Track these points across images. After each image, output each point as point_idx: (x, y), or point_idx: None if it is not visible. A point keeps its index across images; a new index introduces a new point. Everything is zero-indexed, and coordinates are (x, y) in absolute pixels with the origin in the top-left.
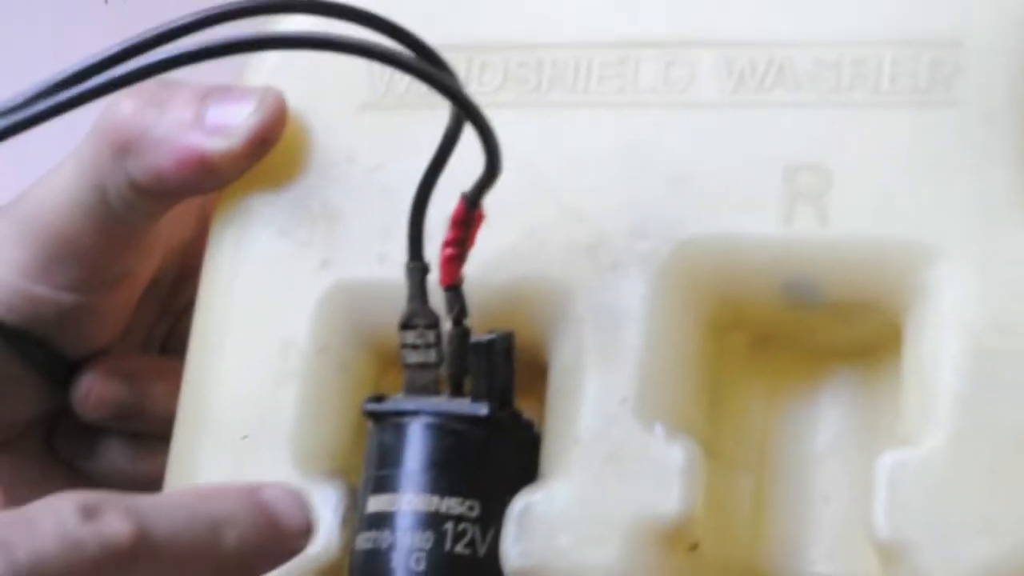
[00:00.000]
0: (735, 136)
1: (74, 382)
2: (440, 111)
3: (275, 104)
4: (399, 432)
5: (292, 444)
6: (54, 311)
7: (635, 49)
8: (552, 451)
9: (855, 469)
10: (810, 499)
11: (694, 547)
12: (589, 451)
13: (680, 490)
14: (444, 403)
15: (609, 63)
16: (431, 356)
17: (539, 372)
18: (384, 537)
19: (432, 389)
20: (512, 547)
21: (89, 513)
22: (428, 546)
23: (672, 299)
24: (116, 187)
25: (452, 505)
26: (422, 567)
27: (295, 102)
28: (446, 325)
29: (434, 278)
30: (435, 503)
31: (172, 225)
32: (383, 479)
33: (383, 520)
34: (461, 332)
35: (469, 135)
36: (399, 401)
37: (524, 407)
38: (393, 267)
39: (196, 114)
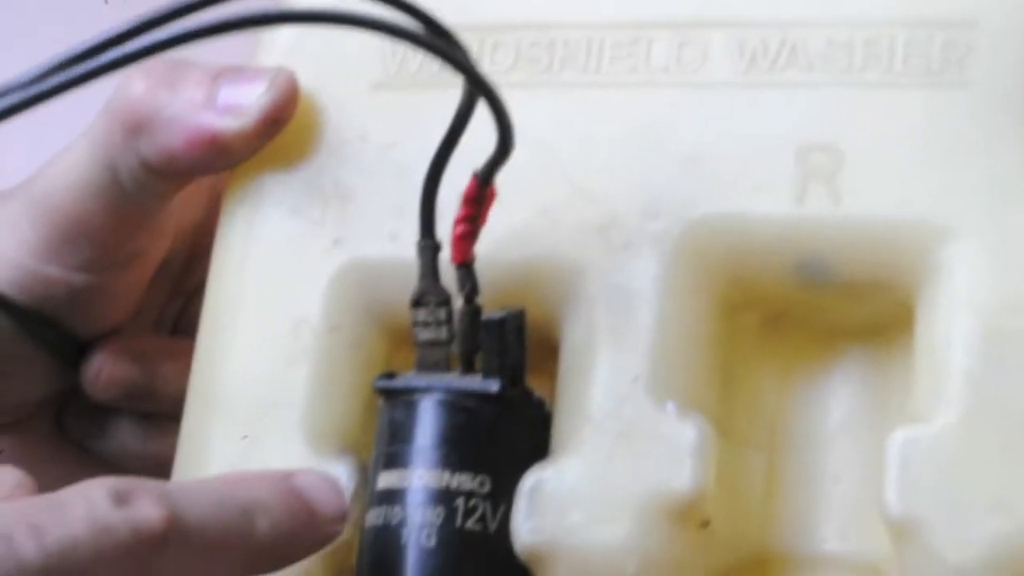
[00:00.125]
0: (747, 116)
1: (85, 362)
2: (452, 90)
3: (287, 84)
4: (410, 409)
5: (303, 422)
6: (65, 291)
7: (647, 29)
8: (563, 429)
9: (866, 448)
10: (821, 478)
11: (705, 525)
12: (600, 429)
13: (692, 467)
14: (455, 380)
15: (621, 43)
16: (442, 334)
17: (550, 351)
18: (395, 513)
19: (443, 366)
20: (523, 523)
21: (121, 498)
22: (439, 522)
23: (684, 279)
24: (128, 167)
25: (463, 481)
26: (432, 543)
27: (307, 82)
28: (457, 303)
29: (446, 257)
30: (446, 479)
31: (183, 205)
32: (394, 455)
33: (394, 496)
34: (472, 310)
35: (482, 115)
36: (410, 378)
37: (535, 386)
38: (405, 246)
39: (208, 94)
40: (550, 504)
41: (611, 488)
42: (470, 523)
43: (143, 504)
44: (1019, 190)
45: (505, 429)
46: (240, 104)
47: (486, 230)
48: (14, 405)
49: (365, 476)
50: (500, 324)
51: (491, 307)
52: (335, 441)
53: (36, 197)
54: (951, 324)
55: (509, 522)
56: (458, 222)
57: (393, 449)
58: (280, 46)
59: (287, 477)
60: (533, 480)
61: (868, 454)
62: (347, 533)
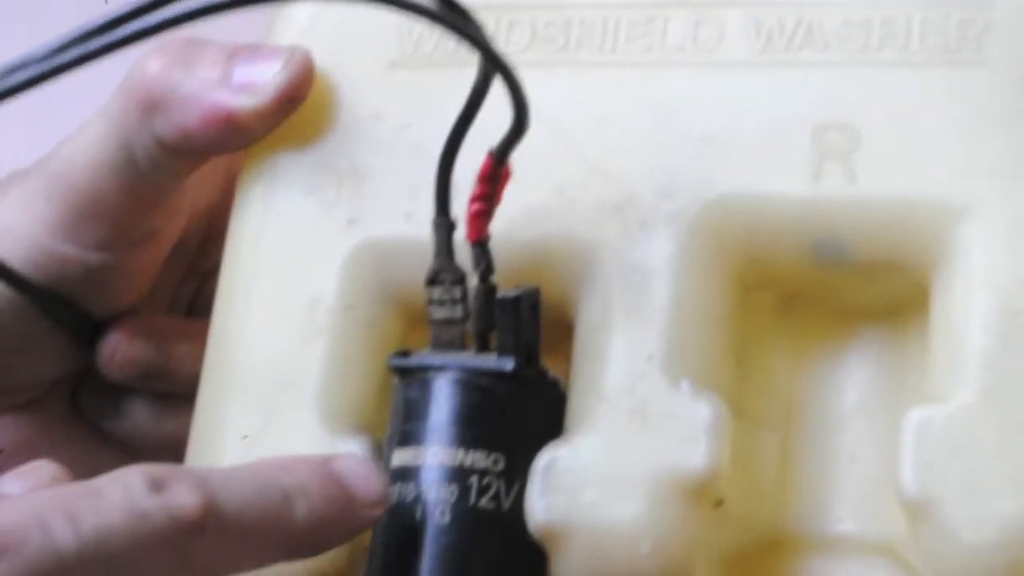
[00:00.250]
0: (763, 96)
1: (100, 342)
2: (468, 70)
3: (302, 62)
4: (425, 387)
5: (318, 401)
6: (81, 270)
7: (663, 8)
8: (578, 407)
9: (881, 429)
10: (836, 458)
11: (719, 504)
12: (615, 407)
13: (706, 446)
14: (470, 358)
15: (637, 22)
16: (457, 312)
17: (565, 331)
18: (409, 490)
19: (458, 345)
20: (536, 501)
21: (157, 485)
22: (453, 499)
23: (699, 258)
24: (143, 145)
25: (477, 459)
26: (447, 520)
27: (323, 61)
28: (472, 281)
29: (461, 236)
30: (460, 456)
31: (199, 186)
32: (408, 433)
33: (408, 473)
34: (487, 288)
35: (498, 93)
36: (425, 356)
37: (550, 366)
38: (420, 225)
39: (223, 72)
40: (564, 482)
41: (625, 466)
42: (484, 501)
43: (179, 490)
44: None
45: (519, 407)
46: (255, 82)
47: (501, 209)
48: (29, 384)
49: (380, 454)
50: (515, 302)
51: (506, 286)
52: (350, 420)
53: (52, 176)
54: (967, 303)
55: (523, 500)
56: (473, 200)
57: (408, 427)
58: (296, 25)
59: (326, 462)
60: (547, 458)
61: (883, 435)
62: None
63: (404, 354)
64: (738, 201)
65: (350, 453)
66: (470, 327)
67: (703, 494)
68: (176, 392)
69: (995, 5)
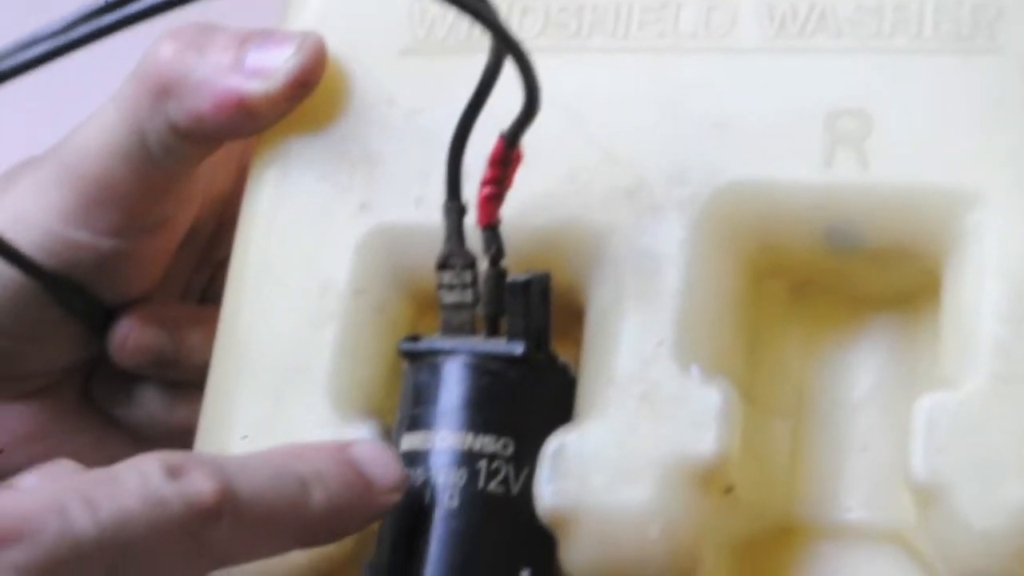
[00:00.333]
0: (776, 82)
1: (111, 329)
2: (481, 56)
3: (314, 48)
4: (434, 371)
5: (329, 385)
6: (93, 256)
7: None
8: (587, 392)
9: (893, 417)
10: (847, 446)
11: (729, 490)
12: (625, 392)
13: (716, 431)
14: (480, 343)
15: (650, 8)
16: (467, 296)
17: (575, 317)
18: (418, 474)
19: (468, 329)
20: (545, 486)
21: (174, 472)
22: (462, 483)
23: (711, 244)
24: (156, 131)
25: (486, 443)
26: (455, 504)
27: (336, 47)
28: (483, 266)
29: (471, 221)
30: (469, 441)
31: (211, 174)
32: (418, 417)
33: (417, 457)
34: (497, 272)
35: (509, 81)
36: (435, 341)
37: (559, 352)
38: (431, 211)
39: (235, 57)
40: (573, 467)
41: (634, 452)
42: (493, 485)
43: (196, 477)
44: None
45: (529, 392)
46: (267, 67)
47: (512, 194)
48: (41, 372)
49: (389, 439)
50: (525, 287)
51: (516, 271)
52: (360, 404)
53: (64, 162)
54: (979, 290)
55: (532, 485)
56: (484, 183)
57: (417, 411)
58: (308, 11)
59: (343, 448)
60: (556, 443)
61: (895, 422)
62: None
63: (414, 339)
64: (750, 187)
65: (361, 438)
66: (480, 312)
67: (712, 480)
68: (188, 380)
69: None
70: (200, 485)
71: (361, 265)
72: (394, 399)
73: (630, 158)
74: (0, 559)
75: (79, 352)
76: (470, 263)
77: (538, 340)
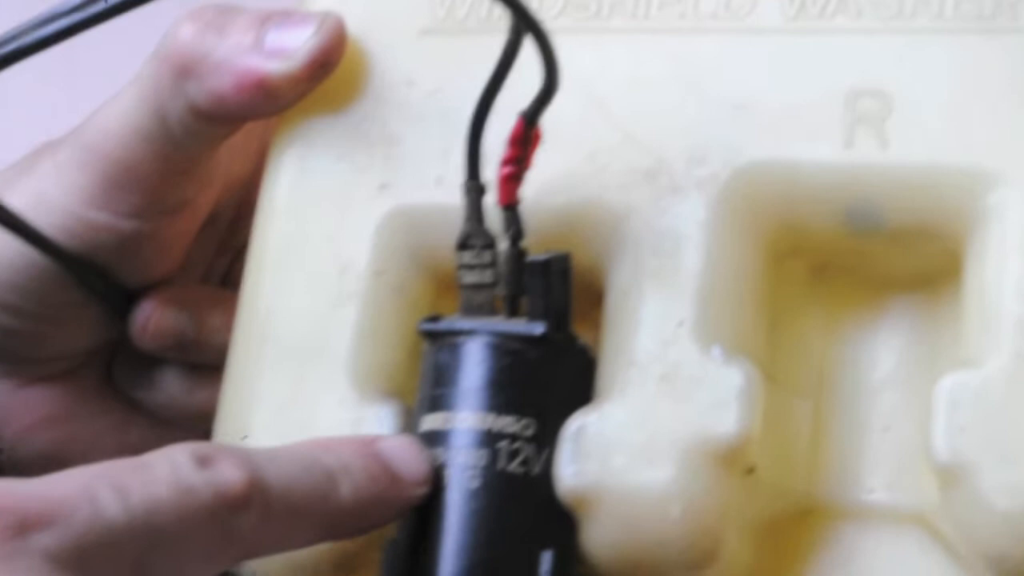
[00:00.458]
0: (796, 62)
1: (133, 311)
2: (500, 36)
3: (334, 28)
4: (455, 351)
5: (349, 365)
6: (114, 238)
7: None
8: (607, 373)
9: (914, 397)
10: (869, 427)
11: (751, 471)
12: (645, 373)
13: (737, 411)
14: (500, 323)
15: None
16: (487, 276)
17: (594, 299)
18: (438, 455)
19: (488, 309)
20: (566, 467)
21: (203, 461)
22: (482, 464)
23: (731, 224)
24: (176, 112)
25: (507, 424)
26: (476, 485)
27: (355, 27)
28: (502, 246)
29: (491, 201)
30: (489, 421)
31: (232, 157)
32: (438, 398)
33: (437, 438)
34: (517, 252)
35: (529, 61)
36: (455, 321)
37: (578, 333)
38: (450, 191)
39: (256, 37)
40: (594, 448)
41: (655, 432)
42: (513, 466)
43: (225, 467)
44: None
45: (549, 372)
46: (288, 47)
47: (532, 175)
48: (63, 354)
49: (409, 419)
50: (545, 266)
51: (536, 252)
52: (380, 384)
53: (85, 144)
54: (1001, 269)
55: (552, 465)
56: (504, 163)
57: (437, 392)
58: None
59: (371, 442)
60: (577, 424)
61: (916, 403)
62: None
63: (434, 319)
64: (770, 167)
65: (380, 418)
66: (500, 292)
67: (734, 460)
68: (209, 362)
69: None
70: (229, 475)
71: (381, 245)
72: (414, 379)
73: (650, 138)
74: (30, 543)
75: (100, 335)
76: (490, 243)
77: (558, 320)
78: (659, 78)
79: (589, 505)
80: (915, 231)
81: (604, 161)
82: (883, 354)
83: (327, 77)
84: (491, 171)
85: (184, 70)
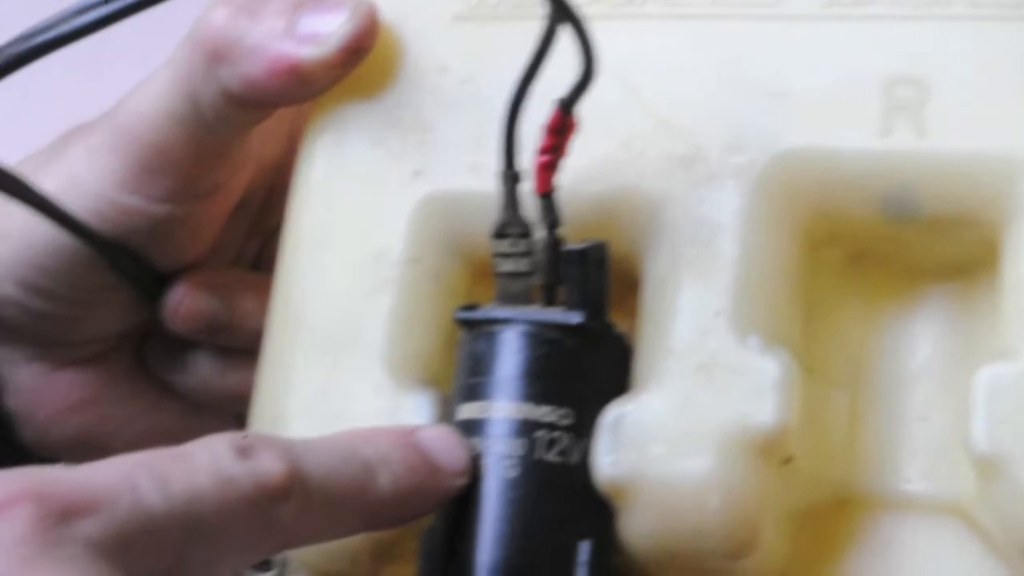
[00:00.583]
0: (832, 49)
1: (165, 295)
2: (533, 23)
3: (367, 13)
4: (491, 340)
5: (384, 353)
6: (146, 222)
7: None
8: (644, 362)
9: (952, 387)
10: (906, 417)
11: (788, 461)
12: (682, 362)
13: (775, 402)
14: (537, 311)
15: None
16: (523, 265)
17: (630, 287)
18: (475, 444)
19: (524, 298)
20: (604, 456)
21: (243, 452)
22: (520, 453)
23: (768, 212)
24: (209, 96)
25: (545, 413)
26: (514, 474)
27: (388, 13)
28: (538, 234)
29: (527, 190)
30: (527, 411)
31: (263, 141)
32: (475, 387)
33: (475, 427)
34: (554, 241)
35: (563, 50)
36: (491, 309)
37: (614, 322)
38: (485, 177)
39: (289, 22)
40: (631, 437)
41: (693, 422)
42: (551, 455)
43: (265, 457)
44: None
45: (587, 361)
46: (321, 33)
47: (568, 162)
48: (95, 338)
49: (445, 407)
50: (582, 255)
51: (572, 240)
52: (416, 372)
53: (117, 128)
54: None
55: (590, 455)
56: (541, 151)
57: (474, 381)
58: None
59: (410, 433)
60: (615, 413)
61: (953, 393)
62: None
63: (470, 307)
64: (806, 155)
65: (416, 407)
66: (536, 281)
67: (771, 450)
68: (241, 346)
69: None
70: (269, 465)
71: (416, 232)
72: (450, 367)
73: (686, 126)
74: (72, 531)
75: (132, 318)
76: (526, 232)
77: (595, 309)
78: (694, 65)
79: (627, 495)
80: (952, 219)
81: (640, 148)
82: (920, 343)
83: (360, 63)
84: (526, 158)
85: (217, 55)
